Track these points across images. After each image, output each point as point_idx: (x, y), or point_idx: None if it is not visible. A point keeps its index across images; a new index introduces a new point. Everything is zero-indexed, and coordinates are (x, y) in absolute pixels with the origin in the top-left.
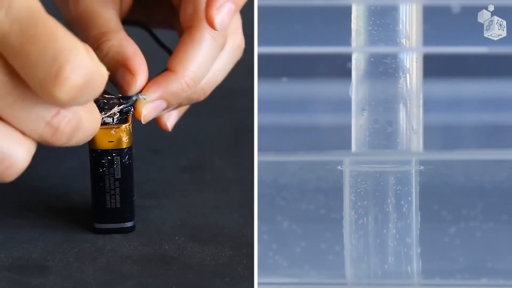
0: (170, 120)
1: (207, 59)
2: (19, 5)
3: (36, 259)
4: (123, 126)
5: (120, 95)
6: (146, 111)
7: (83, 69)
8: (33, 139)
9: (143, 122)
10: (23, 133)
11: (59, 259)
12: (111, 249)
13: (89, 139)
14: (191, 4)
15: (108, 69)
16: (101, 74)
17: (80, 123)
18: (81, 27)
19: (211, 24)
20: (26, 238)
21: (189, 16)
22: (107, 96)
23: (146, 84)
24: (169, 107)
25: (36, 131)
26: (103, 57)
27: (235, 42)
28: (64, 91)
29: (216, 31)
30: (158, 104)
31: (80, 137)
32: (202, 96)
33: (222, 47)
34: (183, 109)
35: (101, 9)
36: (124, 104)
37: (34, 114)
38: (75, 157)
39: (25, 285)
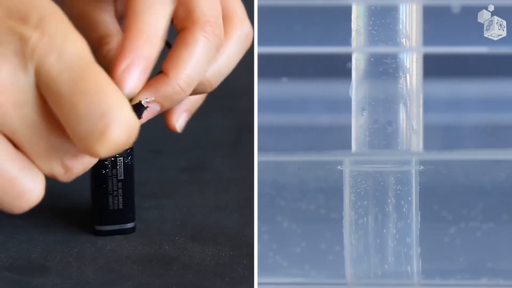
0: (179, 121)
1: (201, 61)
2: (70, 51)
3: (36, 259)
4: None
5: None
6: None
7: (127, 127)
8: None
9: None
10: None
11: (59, 259)
12: (111, 249)
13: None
14: (183, 6)
15: (107, 71)
16: (137, 128)
17: (90, 164)
18: (78, 30)
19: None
20: (26, 238)
21: (181, 18)
22: None
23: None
24: (162, 110)
25: (50, 169)
26: (102, 59)
27: (243, 32)
28: (105, 147)
29: (210, 31)
30: (151, 107)
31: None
32: (208, 89)
33: (217, 47)
34: (193, 109)
35: (97, 12)
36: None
37: (54, 155)
38: None
39: (25, 285)
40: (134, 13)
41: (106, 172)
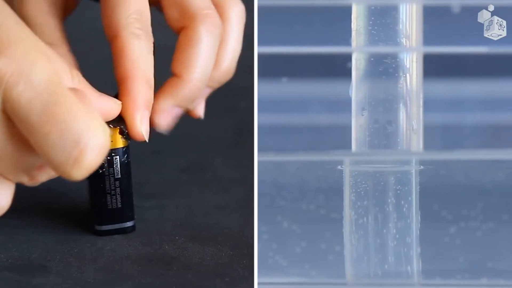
0: (200, 108)
1: (209, 55)
2: (39, 77)
3: (36, 259)
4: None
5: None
6: (165, 121)
7: (101, 149)
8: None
9: (165, 133)
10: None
11: (59, 259)
12: (111, 249)
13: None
14: (175, 6)
15: None
16: (108, 146)
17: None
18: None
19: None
20: (26, 238)
21: (177, 18)
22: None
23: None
24: (184, 110)
25: (16, 179)
26: None
27: (238, 10)
28: (80, 172)
29: (211, 23)
30: (175, 111)
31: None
32: (229, 76)
33: (219, 36)
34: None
35: (44, 17)
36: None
37: (21, 168)
38: None
39: (25, 285)
40: (131, 62)
41: (103, 172)
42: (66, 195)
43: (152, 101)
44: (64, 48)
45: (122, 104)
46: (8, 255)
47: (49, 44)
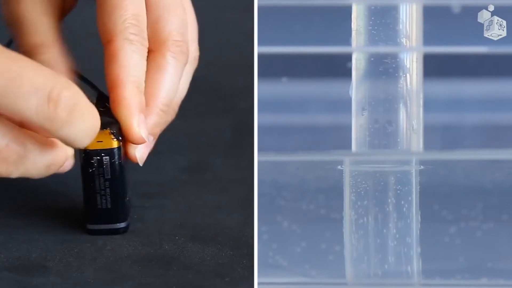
0: (140, 153)
1: (174, 81)
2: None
3: (36, 259)
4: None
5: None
6: (140, 153)
7: (69, 90)
8: None
9: (140, 164)
10: None
11: (59, 259)
12: (111, 249)
13: (37, 174)
14: (149, 26)
15: None
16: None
17: (25, 155)
18: (19, 32)
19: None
20: (26, 238)
21: (149, 39)
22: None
23: None
24: (155, 137)
25: None
26: None
27: (192, 55)
28: (60, 109)
29: (178, 51)
30: (149, 141)
31: (25, 170)
32: (174, 116)
33: (185, 64)
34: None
35: (40, 16)
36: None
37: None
38: (75, 157)
39: (25, 285)
40: (123, 67)
41: (93, 171)
42: (66, 195)
43: (144, 106)
44: (55, 50)
45: (116, 110)
46: (8, 255)
47: (41, 45)
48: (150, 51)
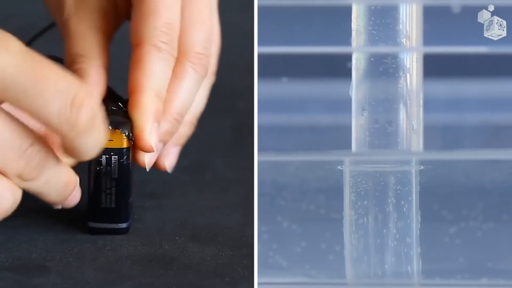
0: (169, 160)
1: (190, 92)
2: (16, 46)
3: (36, 259)
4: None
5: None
6: (148, 159)
7: (92, 99)
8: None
9: (147, 169)
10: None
11: (59, 259)
12: (111, 249)
13: (56, 190)
14: None
15: None
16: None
17: (48, 160)
18: (66, 41)
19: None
20: (26, 238)
21: None
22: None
23: None
24: (165, 144)
25: (16, 170)
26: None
27: (211, 70)
28: (82, 116)
29: (198, 64)
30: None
31: (46, 180)
32: (192, 129)
33: (204, 77)
34: (179, 148)
35: (88, 30)
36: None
37: (20, 156)
38: None
39: (25, 285)
40: (146, 73)
41: (100, 169)
42: None
43: (162, 115)
44: (94, 62)
45: (132, 114)
46: (8, 255)
47: (81, 55)
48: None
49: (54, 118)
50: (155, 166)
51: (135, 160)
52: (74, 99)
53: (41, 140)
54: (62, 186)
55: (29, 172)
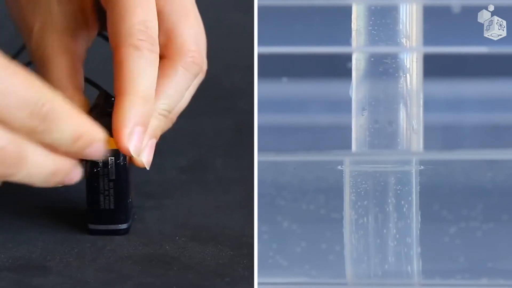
0: (146, 157)
1: (180, 90)
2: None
3: (36, 259)
4: None
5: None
6: (146, 158)
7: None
8: None
9: (147, 168)
10: None
11: (59, 259)
12: (111, 249)
13: (42, 180)
14: (163, 32)
15: None
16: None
17: (26, 157)
18: (39, 74)
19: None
20: (26, 238)
21: (161, 44)
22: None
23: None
24: (157, 139)
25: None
26: None
27: (204, 67)
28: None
29: (190, 62)
30: (151, 143)
31: (28, 174)
32: (170, 125)
33: (196, 75)
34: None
35: (59, 55)
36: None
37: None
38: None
39: (25, 285)
40: (127, 75)
41: (98, 171)
42: (66, 195)
43: (149, 117)
44: (69, 91)
45: (112, 119)
46: (8, 255)
47: (56, 87)
48: (163, 57)
49: (21, 126)
50: (132, 162)
51: (133, 163)
52: (34, 107)
53: (18, 138)
54: (48, 174)
55: (4, 171)
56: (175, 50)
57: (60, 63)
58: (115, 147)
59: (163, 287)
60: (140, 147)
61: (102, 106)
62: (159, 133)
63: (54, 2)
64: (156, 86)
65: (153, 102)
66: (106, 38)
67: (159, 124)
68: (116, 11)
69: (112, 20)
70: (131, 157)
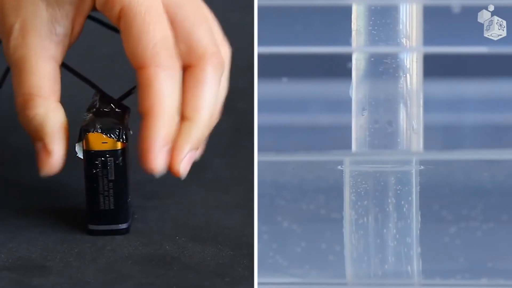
0: (184, 166)
1: (215, 93)
2: None
3: (36, 259)
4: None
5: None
6: (183, 167)
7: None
8: None
9: (182, 178)
10: None
11: (59, 259)
12: (111, 249)
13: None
14: (182, 42)
15: (32, 132)
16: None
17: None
18: (15, 76)
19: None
20: (26, 238)
21: (184, 55)
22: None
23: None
24: (197, 149)
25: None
26: (28, 122)
27: (226, 56)
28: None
29: (217, 63)
30: (191, 155)
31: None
32: (211, 128)
33: (222, 73)
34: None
35: (38, 60)
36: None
37: None
38: (75, 157)
39: (25, 285)
40: (155, 96)
41: (97, 172)
42: (66, 195)
43: (174, 135)
44: (51, 101)
45: (142, 137)
46: (8, 255)
47: (37, 96)
48: (189, 67)
49: None
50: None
51: (172, 171)
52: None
53: None
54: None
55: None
56: (199, 57)
57: (41, 69)
58: (114, 148)
59: (163, 287)
60: (164, 165)
61: (99, 106)
62: (200, 144)
63: (43, 6)
64: (193, 97)
65: (177, 120)
66: (95, 20)
67: (201, 135)
68: (132, 31)
69: (131, 40)
70: (171, 168)
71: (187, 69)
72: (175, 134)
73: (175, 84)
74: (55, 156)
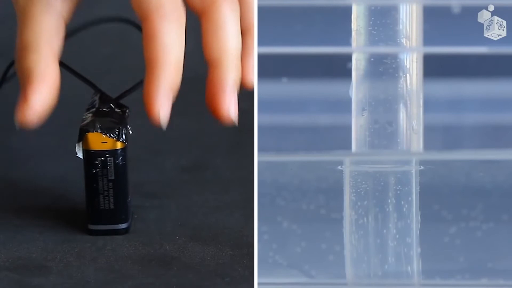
0: (233, 110)
1: (236, 32)
2: None
3: (36, 259)
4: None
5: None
6: (233, 110)
7: None
8: None
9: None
10: None
11: (59, 259)
12: (111, 249)
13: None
14: None
15: (24, 79)
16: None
17: None
18: (18, 25)
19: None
20: (26, 238)
21: (198, 1)
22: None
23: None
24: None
25: None
26: (20, 73)
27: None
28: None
29: (232, 3)
30: (234, 99)
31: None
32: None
33: (238, 11)
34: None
35: (39, 13)
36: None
37: None
38: (75, 157)
39: (25, 285)
40: (160, 47)
41: (97, 172)
42: (66, 195)
43: (178, 87)
44: (42, 53)
45: (146, 87)
46: (8, 255)
47: (28, 48)
48: (203, 13)
49: None
50: (150, 115)
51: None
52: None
53: None
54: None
55: None
56: (212, 1)
57: (40, 22)
58: (114, 147)
59: (163, 287)
60: (168, 117)
61: (99, 106)
62: (238, 85)
63: None
64: (216, 40)
65: (181, 70)
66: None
67: (235, 76)
68: None
69: None
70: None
71: (203, 15)
72: (178, 85)
73: (179, 35)
74: (31, 104)
